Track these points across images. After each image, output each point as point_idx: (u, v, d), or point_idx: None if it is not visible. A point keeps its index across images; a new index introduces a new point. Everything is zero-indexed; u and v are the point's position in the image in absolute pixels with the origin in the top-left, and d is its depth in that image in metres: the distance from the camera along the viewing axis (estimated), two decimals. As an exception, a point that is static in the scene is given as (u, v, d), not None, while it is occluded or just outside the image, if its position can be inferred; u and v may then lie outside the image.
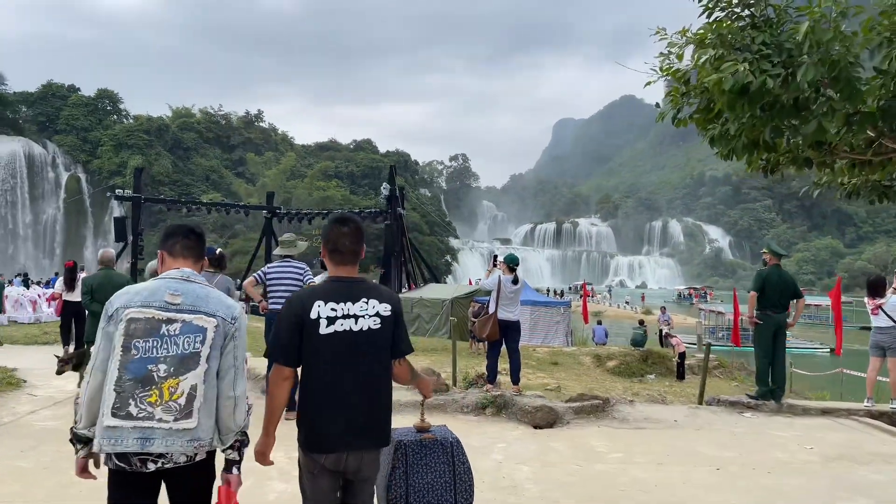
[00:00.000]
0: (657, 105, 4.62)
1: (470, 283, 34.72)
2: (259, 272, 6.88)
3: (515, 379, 7.78)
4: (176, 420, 2.43)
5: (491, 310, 7.79)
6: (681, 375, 17.97)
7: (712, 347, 26.46)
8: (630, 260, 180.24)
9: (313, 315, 2.76)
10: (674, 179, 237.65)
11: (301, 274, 6.57)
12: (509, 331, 7.75)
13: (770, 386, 8.15)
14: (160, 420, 2.40)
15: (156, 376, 2.45)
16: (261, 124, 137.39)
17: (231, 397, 2.57)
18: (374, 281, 3.48)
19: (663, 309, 25.59)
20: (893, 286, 8.17)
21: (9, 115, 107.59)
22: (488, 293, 7.97)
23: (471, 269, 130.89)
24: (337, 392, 2.76)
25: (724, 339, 33.38)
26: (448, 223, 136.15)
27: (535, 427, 6.44)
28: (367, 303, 2.85)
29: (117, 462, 2.47)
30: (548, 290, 68.24)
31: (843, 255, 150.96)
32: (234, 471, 2.65)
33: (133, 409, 2.40)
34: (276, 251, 7.02)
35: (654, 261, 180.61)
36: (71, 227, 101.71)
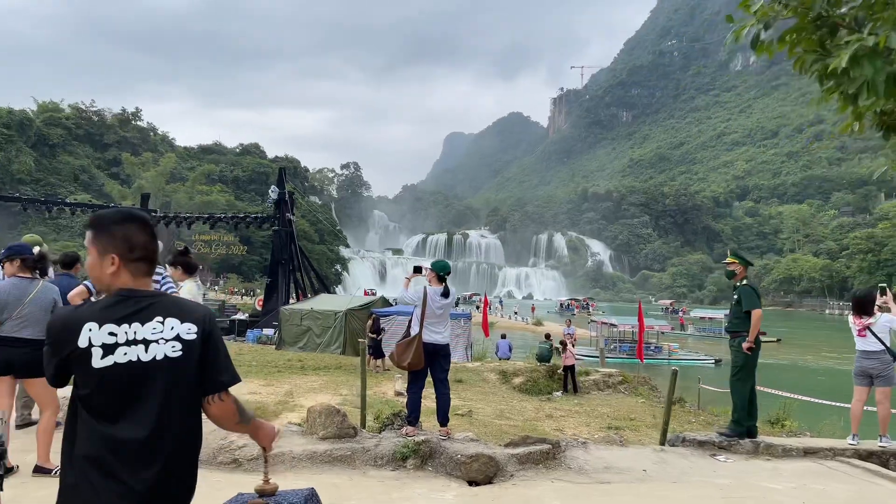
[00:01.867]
0: (729, 17, 3.01)
1: (365, 294, 33.00)
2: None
3: (443, 419, 6.25)
4: None
5: (413, 330, 6.22)
6: (574, 388, 17.45)
7: (608, 360, 26.47)
8: (518, 271, 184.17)
9: (82, 343, 2.07)
10: (559, 194, 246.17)
11: (156, 278, 4.94)
12: (437, 357, 6.23)
13: (752, 421, 7.17)
14: None
15: None
16: (139, 123, 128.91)
17: None
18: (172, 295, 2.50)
19: (569, 322, 25.04)
20: (879, 303, 7.29)
21: None
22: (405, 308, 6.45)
23: (361, 279, 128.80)
24: (116, 449, 2.04)
25: (616, 352, 33.67)
26: (339, 232, 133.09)
27: (471, 483, 5.09)
28: (162, 323, 2.16)
29: None
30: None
31: (712, 269, 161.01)
32: None
33: None
34: None
35: (541, 272, 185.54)
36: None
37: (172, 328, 2.15)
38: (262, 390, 12.94)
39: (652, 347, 33.45)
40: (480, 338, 24.81)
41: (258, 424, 2.44)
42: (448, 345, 6.23)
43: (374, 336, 17.21)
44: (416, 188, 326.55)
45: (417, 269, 6.57)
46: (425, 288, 6.22)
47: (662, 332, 36.86)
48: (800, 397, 14.22)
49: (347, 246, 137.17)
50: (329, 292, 39.01)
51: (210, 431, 3.02)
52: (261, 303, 36.41)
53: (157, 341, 2.11)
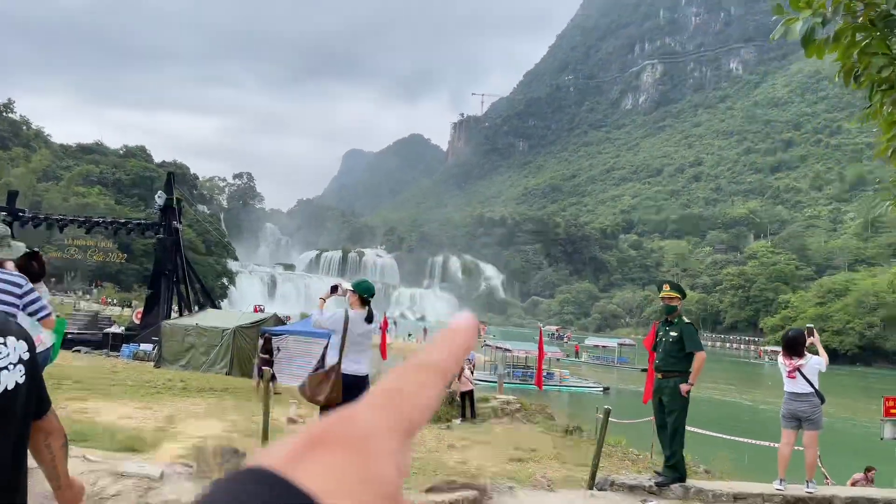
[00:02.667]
0: (778, 8, 2.47)
1: (256, 311, 31.40)
2: None
3: None
4: None
5: (330, 360, 5.51)
6: (472, 414, 17.24)
7: (505, 386, 26.41)
8: (412, 292, 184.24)
9: None
10: (455, 218, 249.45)
11: (16, 292, 3.85)
12: (354, 391, 5.45)
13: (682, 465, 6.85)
14: None
15: None
16: (10, 115, 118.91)
17: None
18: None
19: (468, 348, 24.61)
20: (807, 343, 7.24)
21: None
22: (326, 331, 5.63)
23: (249, 295, 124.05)
24: None
25: (509, 377, 33.80)
26: (227, 244, 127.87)
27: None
28: (4, 344, 1.83)
29: None
30: None
31: (598, 297, 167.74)
32: None
33: None
34: None
35: (435, 294, 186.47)
36: None
37: (13, 348, 1.82)
38: (138, 414, 11.67)
39: (544, 374, 33.83)
40: (376, 360, 24.09)
41: (70, 482, 2.03)
42: (368, 376, 5.59)
43: (267, 357, 16.17)
44: (312, 203, 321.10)
45: (335, 289, 5.88)
46: (346, 311, 5.53)
47: (558, 359, 37.45)
48: (702, 431, 14.53)
49: (236, 259, 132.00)
50: (215, 307, 36.98)
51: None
52: (139, 315, 33.90)
53: (5, 367, 1.78)
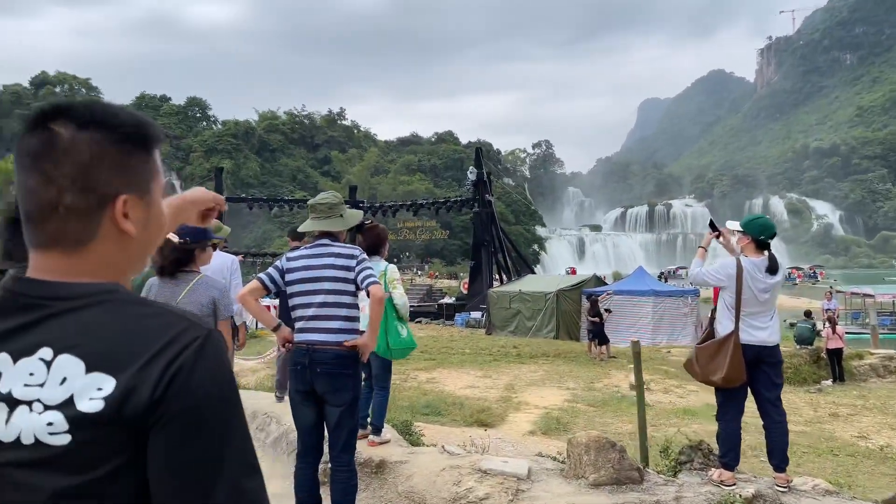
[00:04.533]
0: None
1: (573, 273, 31.19)
2: (273, 268, 3.63)
3: (780, 459, 4.14)
4: None
5: (723, 328, 4.20)
6: (840, 376, 14.28)
7: (881, 338, 22.04)
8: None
9: None
10: (773, 154, 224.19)
11: (350, 264, 3.45)
12: (763, 367, 4.20)
13: None
14: None
15: None
16: (343, 122, 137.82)
17: None
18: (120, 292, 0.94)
19: (829, 294, 20.75)
20: None
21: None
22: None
23: (559, 259, 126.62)
24: None
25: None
26: (534, 211, 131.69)
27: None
28: (47, 364, 0.85)
29: None
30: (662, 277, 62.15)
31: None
32: None
33: None
34: (304, 226, 3.69)
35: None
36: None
37: (63, 377, 0.84)
38: (480, 383, 11.80)
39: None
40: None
41: None
42: (777, 346, 4.27)
43: (596, 320, 15.42)
44: (611, 160, 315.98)
45: (713, 227, 4.62)
46: (738, 260, 4.22)
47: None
48: None
49: (543, 225, 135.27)
50: (532, 273, 37.75)
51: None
52: (465, 286, 36.13)
53: (28, 402, 0.85)
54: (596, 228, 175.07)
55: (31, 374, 0.86)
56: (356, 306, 3.55)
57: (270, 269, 3.60)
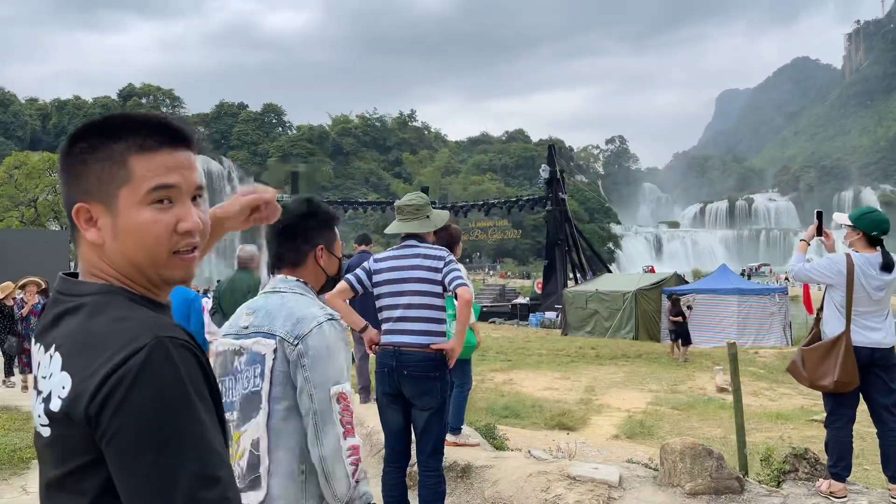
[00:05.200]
0: None
1: (653, 271, 30.44)
2: (360, 269, 3.61)
3: (895, 470, 3.85)
4: (244, 490, 1.74)
5: (832, 328, 3.95)
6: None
7: None
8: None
9: None
10: (864, 143, 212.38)
11: (437, 266, 3.44)
12: (877, 370, 3.91)
13: None
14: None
15: (232, 428, 1.83)
16: (414, 124, 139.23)
17: (317, 458, 1.73)
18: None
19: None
20: None
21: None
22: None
23: (636, 257, 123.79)
24: None
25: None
26: (608, 209, 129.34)
27: None
28: (51, 359, 0.95)
29: None
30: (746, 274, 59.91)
31: None
32: None
33: None
34: (391, 227, 3.68)
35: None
36: (247, 238, 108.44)
37: (51, 374, 0.94)
38: (559, 385, 11.62)
39: None
40: (800, 315, 20.90)
41: None
42: (893, 348, 3.86)
43: (679, 319, 14.93)
44: (688, 155, 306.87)
45: (820, 220, 4.28)
46: (848, 256, 3.95)
47: None
48: None
49: (618, 223, 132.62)
50: (608, 271, 37.03)
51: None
52: (540, 285, 35.77)
53: (39, 394, 0.96)
54: (674, 225, 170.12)
55: (44, 367, 0.94)
56: (443, 308, 3.51)
57: (358, 271, 3.61)
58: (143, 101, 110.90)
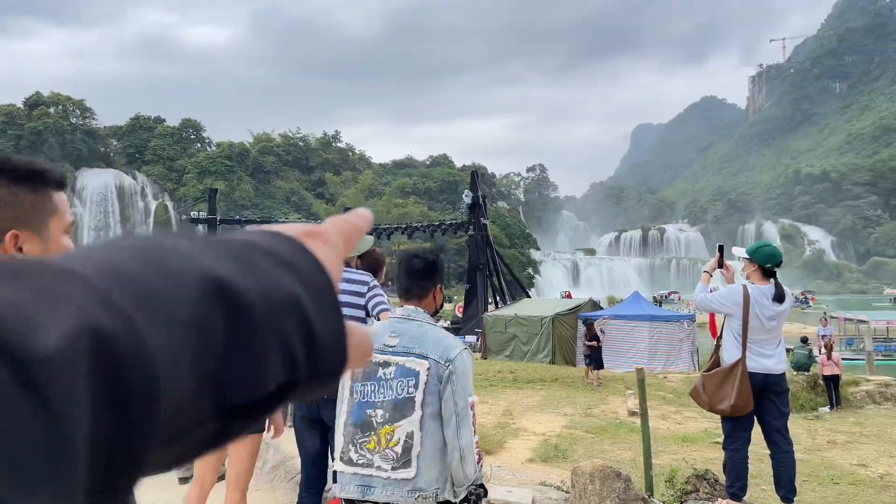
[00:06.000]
0: None
1: (570, 297, 31.26)
2: None
3: (787, 489, 4.08)
4: (394, 469, 2.37)
5: (729, 355, 4.18)
6: (836, 402, 14.38)
7: (878, 364, 22.07)
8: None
9: None
10: (765, 179, 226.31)
11: (361, 290, 3.56)
12: (770, 395, 4.15)
13: None
14: (378, 468, 2.39)
15: (374, 422, 2.42)
16: (338, 145, 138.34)
17: (456, 448, 2.37)
18: None
19: (825, 320, 20.84)
20: None
21: (100, 148, 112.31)
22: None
23: (554, 282, 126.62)
24: None
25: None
26: (528, 235, 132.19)
27: None
28: None
29: None
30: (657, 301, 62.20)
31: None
32: None
33: (353, 455, 2.43)
34: None
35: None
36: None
37: None
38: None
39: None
40: (707, 342, 21.92)
41: None
42: (784, 374, 4.25)
43: (593, 344, 15.38)
44: (604, 185, 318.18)
45: (722, 253, 4.54)
46: (745, 287, 4.22)
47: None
48: None
49: (538, 248, 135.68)
50: (527, 296, 37.73)
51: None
52: (461, 309, 36.04)
53: None
54: (590, 252, 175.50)
55: None
56: None
57: None
58: (52, 110, 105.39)
